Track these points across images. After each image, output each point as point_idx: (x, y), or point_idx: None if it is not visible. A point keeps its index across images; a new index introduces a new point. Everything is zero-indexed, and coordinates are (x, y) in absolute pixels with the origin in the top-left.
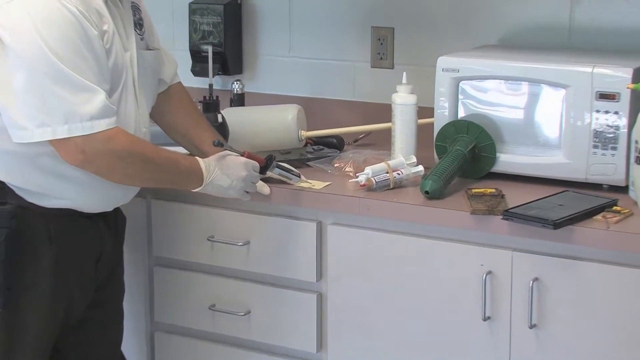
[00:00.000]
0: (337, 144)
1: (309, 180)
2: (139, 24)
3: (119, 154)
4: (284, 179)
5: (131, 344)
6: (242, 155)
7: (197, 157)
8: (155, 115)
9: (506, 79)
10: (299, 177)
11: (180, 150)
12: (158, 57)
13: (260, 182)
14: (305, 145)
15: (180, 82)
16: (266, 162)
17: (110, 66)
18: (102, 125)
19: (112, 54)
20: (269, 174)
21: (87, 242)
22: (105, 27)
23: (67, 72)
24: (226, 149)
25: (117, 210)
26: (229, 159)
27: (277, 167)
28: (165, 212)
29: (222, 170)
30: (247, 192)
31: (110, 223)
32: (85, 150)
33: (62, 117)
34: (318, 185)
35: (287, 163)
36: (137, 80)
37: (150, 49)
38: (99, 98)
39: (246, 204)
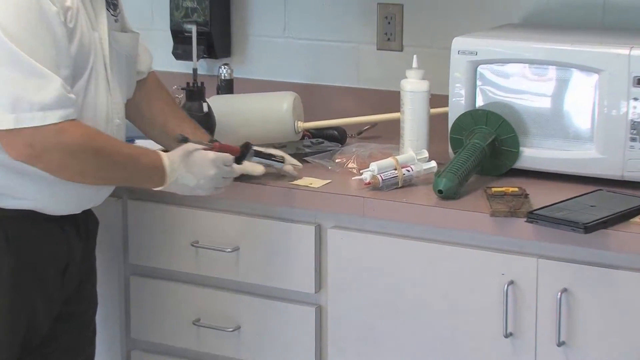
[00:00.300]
0: (338, 136)
1: (297, 163)
2: (112, 4)
3: (70, 149)
4: (267, 167)
5: None
6: (212, 149)
7: (161, 153)
8: (129, 108)
9: (531, 62)
10: (283, 161)
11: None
12: (136, 42)
13: (250, 163)
14: (303, 138)
15: (154, 72)
16: (242, 152)
17: (75, 48)
18: (55, 116)
19: (76, 33)
20: (247, 164)
21: (51, 248)
22: (68, 3)
23: (18, 54)
24: (193, 143)
25: (87, 212)
26: (196, 156)
27: (255, 156)
28: (143, 214)
29: (188, 169)
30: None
31: (80, 227)
32: (33, 144)
33: (9, 105)
34: (317, 183)
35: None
36: (110, 65)
37: (126, 32)
38: (54, 86)
39: (236, 204)
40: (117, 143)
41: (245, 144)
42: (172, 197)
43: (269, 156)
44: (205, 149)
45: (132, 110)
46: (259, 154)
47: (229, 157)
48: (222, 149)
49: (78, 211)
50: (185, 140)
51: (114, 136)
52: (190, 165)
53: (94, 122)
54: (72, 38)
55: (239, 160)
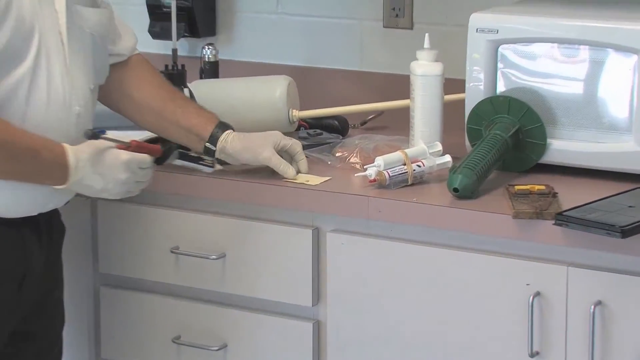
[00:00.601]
0: (339, 127)
1: (219, 166)
2: None
3: None
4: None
5: None
6: (127, 148)
7: (67, 147)
8: (112, 94)
9: (560, 41)
10: (213, 166)
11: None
12: (105, 18)
13: (284, 162)
14: (298, 129)
15: (140, 54)
16: (164, 153)
17: (10, 25)
18: None
19: (11, 7)
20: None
21: (4, 256)
22: None
23: None
24: (106, 140)
25: (51, 215)
26: (108, 155)
27: (180, 159)
28: (116, 216)
29: (95, 169)
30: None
31: (41, 231)
32: None
33: None
34: (314, 180)
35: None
36: (69, 45)
37: (93, 6)
38: None
39: (221, 205)
40: (18, 133)
41: (169, 147)
42: (149, 196)
43: (197, 159)
44: (119, 148)
45: (117, 96)
46: (184, 157)
47: (146, 158)
48: (140, 148)
49: (34, 213)
50: (95, 135)
51: (74, 125)
52: (99, 166)
53: (46, 110)
54: (6, 12)
55: (160, 161)
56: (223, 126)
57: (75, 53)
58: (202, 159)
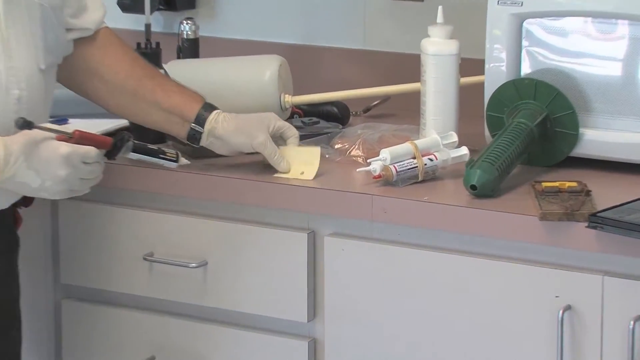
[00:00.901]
0: (338, 114)
1: (185, 160)
2: None
3: None
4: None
5: None
6: (69, 139)
7: None
8: (77, 74)
9: (595, 15)
10: (177, 160)
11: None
12: None
13: (278, 152)
14: (292, 116)
15: (108, 27)
16: (114, 145)
17: None
18: None
19: None
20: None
21: None
22: None
23: None
24: (43, 129)
25: (3, 217)
26: (45, 147)
27: (135, 152)
28: (80, 218)
29: (30, 164)
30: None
31: None
32: None
33: None
34: (308, 173)
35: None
36: (5, 16)
37: None
38: None
39: (202, 205)
40: None
41: (120, 136)
42: (118, 194)
43: (156, 152)
44: (59, 139)
45: (83, 77)
46: (140, 149)
47: (91, 152)
48: (84, 140)
49: None
50: (28, 124)
51: (14, 113)
52: (34, 160)
53: None
54: None
55: (110, 155)
56: (210, 107)
57: (15, 25)
58: (164, 152)
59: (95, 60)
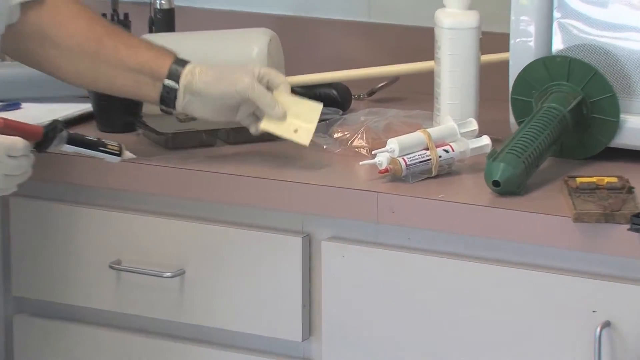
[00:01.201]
0: (338, 98)
1: (130, 154)
2: None
3: None
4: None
5: None
6: None
7: None
8: (27, 43)
9: None
10: (120, 153)
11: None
12: None
13: (270, 94)
14: None
15: None
16: (46, 135)
17: None
18: None
19: None
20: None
21: None
22: None
23: None
24: None
25: None
26: None
27: (70, 143)
28: (35, 220)
29: None
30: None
31: None
32: None
33: None
34: (303, 134)
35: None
36: None
37: None
38: None
39: (179, 204)
40: None
41: (52, 125)
42: (80, 191)
43: (95, 144)
44: None
45: (35, 44)
46: (76, 141)
47: (18, 143)
48: (11, 129)
49: None
50: None
51: None
52: None
53: None
54: None
55: (41, 147)
56: (183, 61)
57: None
58: (104, 144)
59: (45, 23)
